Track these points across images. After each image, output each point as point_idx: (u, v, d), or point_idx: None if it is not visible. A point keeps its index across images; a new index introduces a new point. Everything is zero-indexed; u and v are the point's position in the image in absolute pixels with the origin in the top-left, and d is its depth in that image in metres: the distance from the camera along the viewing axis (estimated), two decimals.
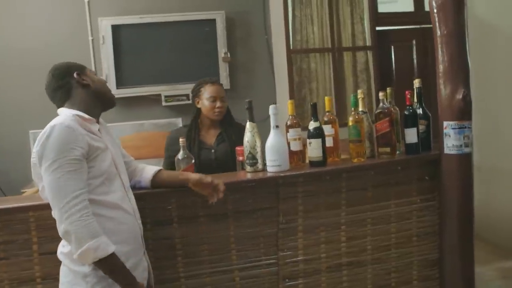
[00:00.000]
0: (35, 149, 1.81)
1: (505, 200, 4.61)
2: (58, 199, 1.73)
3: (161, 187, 2.21)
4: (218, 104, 2.90)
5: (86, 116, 1.92)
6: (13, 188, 4.22)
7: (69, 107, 1.94)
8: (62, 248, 1.90)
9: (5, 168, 4.70)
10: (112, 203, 1.89)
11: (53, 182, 1.74)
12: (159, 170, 2.24)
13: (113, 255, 1.78)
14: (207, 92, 2.93)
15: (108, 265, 1.78)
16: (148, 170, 2.23)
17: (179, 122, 4.88)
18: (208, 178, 2.14)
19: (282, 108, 2.50)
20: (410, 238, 2.56)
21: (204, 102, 2.93)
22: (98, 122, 2.01)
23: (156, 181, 2.21)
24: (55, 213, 1.76)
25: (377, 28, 5.23)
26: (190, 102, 3.05)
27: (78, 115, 1.89)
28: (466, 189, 2.46)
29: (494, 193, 4.76)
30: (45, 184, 1.78)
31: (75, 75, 1.96)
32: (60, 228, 1.74)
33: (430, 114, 2.58)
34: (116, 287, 1.83)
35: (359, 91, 2.54)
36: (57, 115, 1.94)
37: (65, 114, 1.88)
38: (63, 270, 1.91)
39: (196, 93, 2.99)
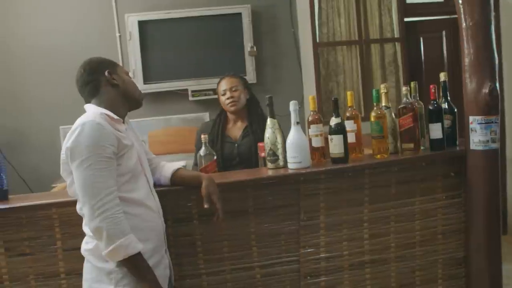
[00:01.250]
0: (65, 146, 1.82)
1: None
2: (90, 196, 1.75)
3: (179, 185, 2.22)
4: (227, 95, 2.91)
5: (115, 116, 1.93)
6: (43, 184, 4.30)
7: (96, 104, 1.96)
8: (86, 245, 1.92)
9: (36, 163, 4.80)
10: (137, 200, 1.91)
11: (85, 179, 1.77)
12: (178, 169, 2.25)
13: (139, 253, 1.80)
14: (219, 87, 2.97)
15: (134, 263, 1.80)
16: (168, 168, 2.24)
17: (206, 116, 4.89)
18: (213, 197, 2.09)
19: (308, 102, 2.50)
20: (435, 236, 2.51)
21: (220, 98, 2.95)
22: (124, 121, 2.03)
23: (175, 179, 2.22)
24: (85, 210, 1.78)
25: (406, 19, 5.13)
26: (216, 96, 3.06)
27: (106, 114, 1.90)
28: (493, 186, 2.38)
29: None
30: (76, 181, 1.80)
31: (106, 73, 1.98)
32: (91, 224, 1.76)
33: (455, 109, 2.51)
34: (140, 284, 1.85)
35: (381, 86, 2.49)
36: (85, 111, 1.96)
37: (93, 112, 1.89)
38: (86, 267, 1.94)
39: (216, 91, 3.01)
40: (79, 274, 2.15)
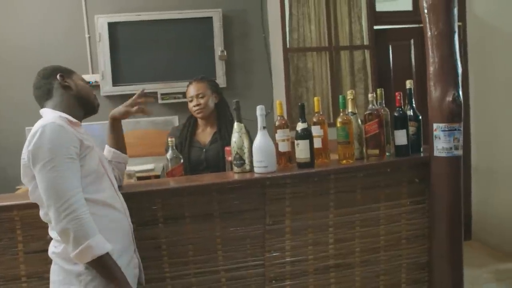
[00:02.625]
0: (26, 149, 1.79)
1: (502, 201, 4.60)
2: (55, 198, 1.72)
3: (122, 149, 2.30)
4: (194, 102, 2.91)
5: (73, 119, 1.92)
6: (9, 186, 4.21)
7: (51, 107, 1.95)
8: (54, 248, 1.89)
9: (2, 165, 4.70)
10: (102, 201, 1.89)
11: (49, 182, 1.74)
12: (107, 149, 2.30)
13: (108, 254, 1.78)
14: (187, 93, 2.97)
15: (103, 263, 1.78)
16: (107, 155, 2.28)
17: (175, 120, 4.87)
18: (128, 102, 2.28)
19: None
20: (399, 241, 2.54)
21: (188, 103, 2.94)
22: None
23: (115, 152, 2.28)
24: (51, 213, 1.75)
25: (375, 27, 5.19)
26: (186, 100, 3.04)
27: (65, 117, 1.89)
28: (455, 192, 2.43)
29: (492, 194, 4.75)
30: (39, 184, 1.77)
31: (58, 76, 1.98)
32: (58, 227, 1.73)
33: (420, 116, 2.55)
34: (110, 285, 1.83)
35: (348, 92, 2.52)
36: None
37: (52, 115, 1.87)
38: (54, 270, 1.90)
39: (186, 94, 3.00)
40: (40, 277, 2.15)
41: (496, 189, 4.70)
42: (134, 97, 2.32)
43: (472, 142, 4.95)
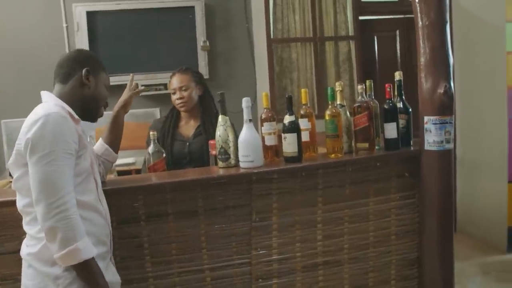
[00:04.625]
0: (23, 136, 1.68)
1: (487, 193, 4.58)
2: (49, 193, 1.62)
3: (115, 148, 2.25)
4: (177, 95, 2.81)
5: (75, 116, 1.82)
6: None
7: (57, 92, 1.85)
8: (29, 248, 1.77)
9: None
10: (88, 203, 1.80)
11: (45, 175, 1.63)
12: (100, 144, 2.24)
13: (93, 258, 1.69)
14: (170, 85, 2.88)
15: (88, 268, 1.69)
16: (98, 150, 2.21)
17: (156, 112, 4.79)
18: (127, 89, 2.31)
19: (261, 99, 2.43)
20: (389, 237, 2.48)
21: (171, 96, 2.85)
22: None
23: (108, 149, 2.23)
24: (39, 208, 1.63)
25: (360, 18, 5.14)
26: (168, 91, 2.94)
27: (68, 111, 1.79)
28: (446, 187, 2.37)
29: (477, 186, 4.74)
30: (33, 176, 1.65)
31: (84, 70, 1.86)
32: (46, 224, 1.62)
33: (410, 109, 2.49)
34: None
35: (337, 83, 2.44)
36: (35, 103, 1.83)
37: (55, 104, 1.77)
38: (28, 273, 1.78)
39: (168, 86, 2.91)
40: (15, 279, 2.03)
41: (481, 182, 4.69)
42: (127, 86, 2.33)
43: (457, 134, 4.93)
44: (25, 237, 1.83)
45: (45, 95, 1.85)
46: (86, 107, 1.90)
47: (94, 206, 1.83)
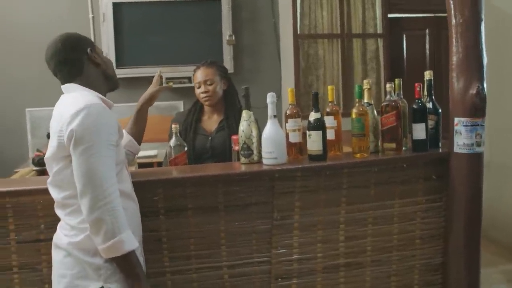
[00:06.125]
0: (65, 127, 1.64)
1: None
2: (94, 186, 1.61)
3: (139, 140, 2.29)
4: (202, 89, 2.77)
5: (109, 101, 1.81)
6: (6, 168, 4.11)
7: (81, 85, 1.80)
8: (69, 238, 1.74)
9: (0, 147, 4.60)
10: (126, 193, 1.79)
11: (90, 167, 1.62)
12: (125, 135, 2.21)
13: (134, 250, 1.69)
14: (194, 78, 2.83)
15: (129, 260, 1.68)
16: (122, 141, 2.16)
17: (180, 105, 4.77)
18: (154, 84, 2.36)
19: (286, 95, 2.38)
20: (413, 241, 2.41)
21: (195, 89, 2.81)
22: None
23: (132, 141, 2.25)
24: (85, 200, 1.62)
25: (389, 15, 5.05)
26: (192, 84, 2.90)
27: (101, 98, 1.78)
28: (475, 191, 2.30)
29: (503, 191, 4.62)
30: (77, 168, 1.63)
31: (88, 51, 1.82)
32: (91, 216, 1.61)
33: (440, 109, 2.41)
34: (128, 281, 1.73)
35: (365, 81, 2.38)
36: (59, 92, 1.81)
37: (91, 95, 1.75)
38: (65, 262, 1.75)
39: (193, 79, 2.87)
40: (33, 269, 2.03)
41: (508, 186, 4.57)
42: (153, 81, 2.36)
43: (486, 137, 4.81)
44: (60, 225, 1.81)
45: (72, 87, 1.80)
46: (107, 81, 1.90)
47: (130, 194, 1.84)
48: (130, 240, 1.66)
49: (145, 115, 2.29)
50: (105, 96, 1.88)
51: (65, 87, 1.81)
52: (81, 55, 1.81)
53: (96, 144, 1.62)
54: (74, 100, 1.70)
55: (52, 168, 1.75)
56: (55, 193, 1.77)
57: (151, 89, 2.31)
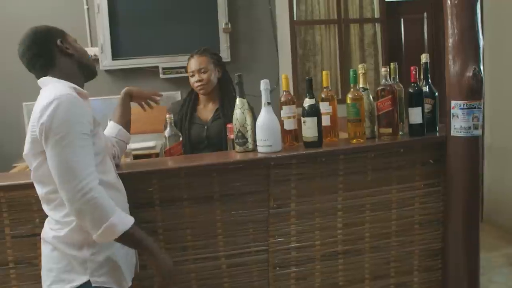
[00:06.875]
0: (37, 122, 1.62)
1: None
2: (70, 177, 1.58)
3: (127, 127, 2.24)
4: (196, 78, 2.74)
5: (83, 91, 1.78)
6: (4, 163, 4.10)
7: (54, 77, 1.77)
8: (54, 232, 1.73)
9: None
10: (109, 183, 1.77)
11: (63, 159, 1.59)
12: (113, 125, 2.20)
13: (132, 226, 1.67)
14: (188, 67, 2.81)
15: (130, 237, 1.68)
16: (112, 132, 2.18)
17: (177, 95, 4.73)
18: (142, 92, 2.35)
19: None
20: (412, 226, 2.40)
21: (189, 78, 2.78)
22: None
23: (121, 129, 2.21)
24: (64, 193, 1.60)
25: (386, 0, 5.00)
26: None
27: (74, 88, 1.74)
28: (473, 175, 2.27)
29: (505, 174, 4.59)
30: (52, 161, 1.61)
31: (58, 42, 1.79)
32: (72, 208, 1.60)
33: (437, 93, 2.38)
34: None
35: (359, 66, 2.35)
36: None
37: (63, 86, 1.71)
38: (53, 256, 1.74)
39: (186, 68, 2.84)
40: (29, 263, 2.02)
41: (510, 169, 4.54)
42: (151, 92, 2.39)
43: (486, 120, 4.77)
44: (47, 220, 1.80)
45: (46, 80, 1.77)
46: (83, 70, 1.87)
47: (115, 185, 1.82)
48: (122, 220, 1.64)
49: (128, 104, 2.27)
50: (83, 86, 1.85)
51: (40, 81, 1.78)
52: (51, 47, 1.78)
53: (68, 135, 1.60)
54: (46, 93, 1.67)
55: (31, 164, 1.74)
56: (39, 189, 1.76)
57: (138, 90, 2.33)
